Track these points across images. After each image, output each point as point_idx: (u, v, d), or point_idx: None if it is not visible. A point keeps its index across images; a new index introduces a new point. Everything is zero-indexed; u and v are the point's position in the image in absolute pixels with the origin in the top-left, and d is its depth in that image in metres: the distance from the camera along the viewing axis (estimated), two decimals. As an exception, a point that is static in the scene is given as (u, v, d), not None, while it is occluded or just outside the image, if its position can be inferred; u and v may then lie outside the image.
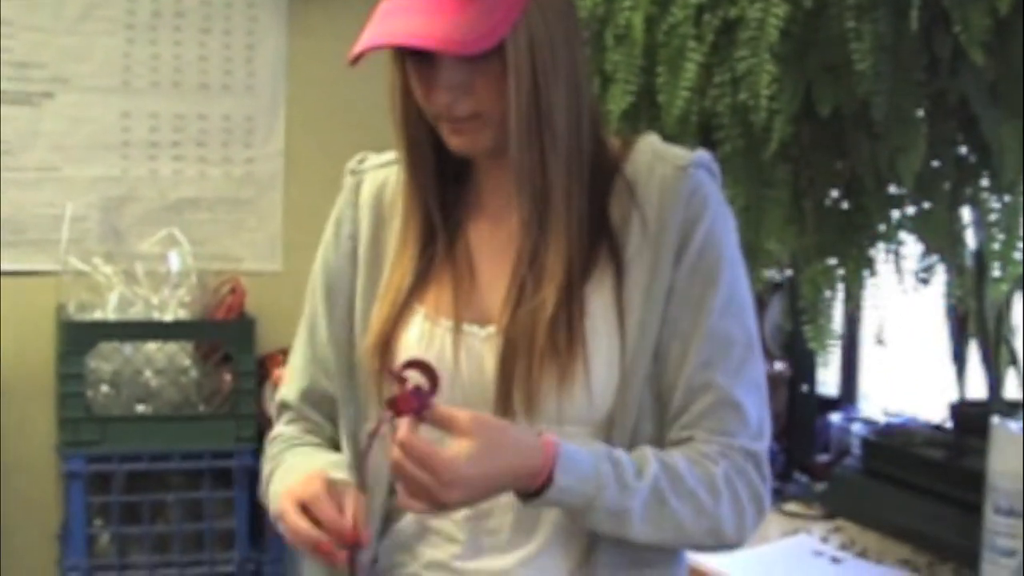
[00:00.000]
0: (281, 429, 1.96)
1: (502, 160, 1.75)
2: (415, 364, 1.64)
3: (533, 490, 1.63)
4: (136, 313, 3.97)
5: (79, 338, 3.87)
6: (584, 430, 1.72)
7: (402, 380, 1.61)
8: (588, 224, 1.75)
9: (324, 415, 1.93)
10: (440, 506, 1.60)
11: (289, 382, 1.97)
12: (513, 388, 1.71)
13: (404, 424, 1.57)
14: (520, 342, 1.71)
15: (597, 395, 1.71)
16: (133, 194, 4.23)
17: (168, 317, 3.97)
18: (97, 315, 3.95)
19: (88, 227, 4.16)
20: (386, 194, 1.89)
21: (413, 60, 1.73)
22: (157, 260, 4.07)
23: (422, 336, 1.77)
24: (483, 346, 1.75)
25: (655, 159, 1.79)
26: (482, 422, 1.61)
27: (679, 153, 1.80)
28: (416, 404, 1.59)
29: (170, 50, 4.23)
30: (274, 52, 4.32)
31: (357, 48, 1.68)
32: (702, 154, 1.81)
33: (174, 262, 4.06)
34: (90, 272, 3.98)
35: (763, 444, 1.77)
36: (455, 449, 1.58)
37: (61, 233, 4.06)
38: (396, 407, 1.59)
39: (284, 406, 1.97)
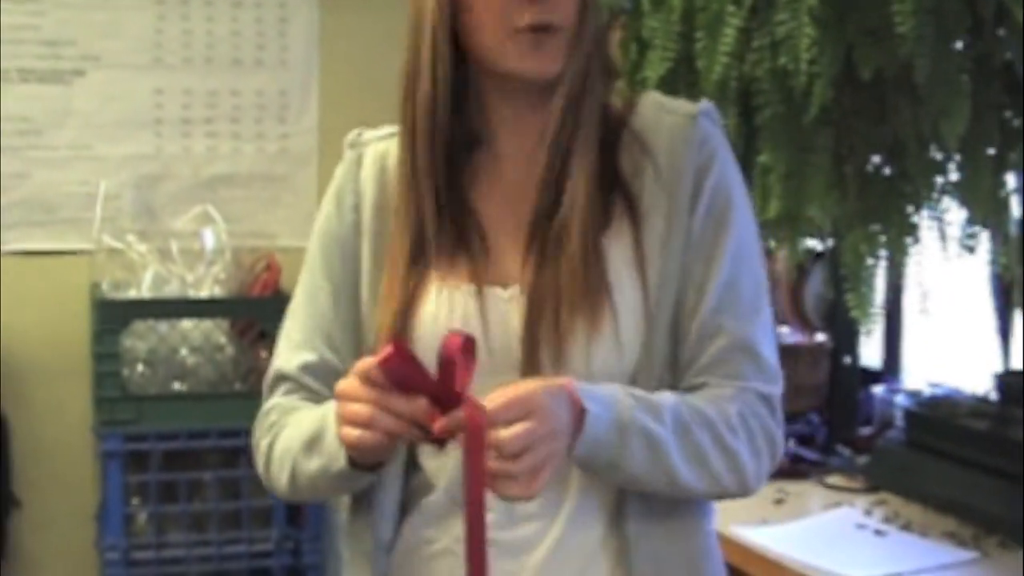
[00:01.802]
0: (277, 400, 1.87)
1: (528, 114, 1.75)
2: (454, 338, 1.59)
3: (574, 428, 1.59)
4: (171, 291, 3.97)
5: (114, 317, 3.87)
6: (614, 383, 1.69)
7: (450, 364, 1.55)
8: (601, 177, 1.74)
9: (327, 387, 1.82)
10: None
11: (286, 354, 1.87)
12: (540, 346, 1.68)
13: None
14: (546, 300, 1.69)
15: (626, 346, 1.70)
16: (167, 171, 4.23)
17: (203, 294, 3.97)
18: (132, 293, 3.95)
19: (121, 205, 4.17)
20: (389, 164, 1.85)
21: None
22: (191, 237, 4.07)
23: (442, 304, 1.74)
24: (507, 307, 1.72)
25: (661, 111, 1.80)
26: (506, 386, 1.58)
27: (684, 104, 1.82)
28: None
29: (202, 25, 4.22)
30: (306, 26, 4.30)
31: None
32: (706, 104, 1.81)
33: (208, 239, 4.05)
34: (124, 250, 3.99)
35: (777, 387, 1.78)
36: (520, 387, 1.56)
37: (95, 212, 4.07)
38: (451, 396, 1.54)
39: (281, 378, 1.86)
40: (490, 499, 1.56)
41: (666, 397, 1.69)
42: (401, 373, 1.54)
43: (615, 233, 1.73)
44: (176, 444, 3.92)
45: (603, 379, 1.67)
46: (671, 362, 1.74)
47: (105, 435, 3.86)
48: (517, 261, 1.74)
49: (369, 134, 1.91)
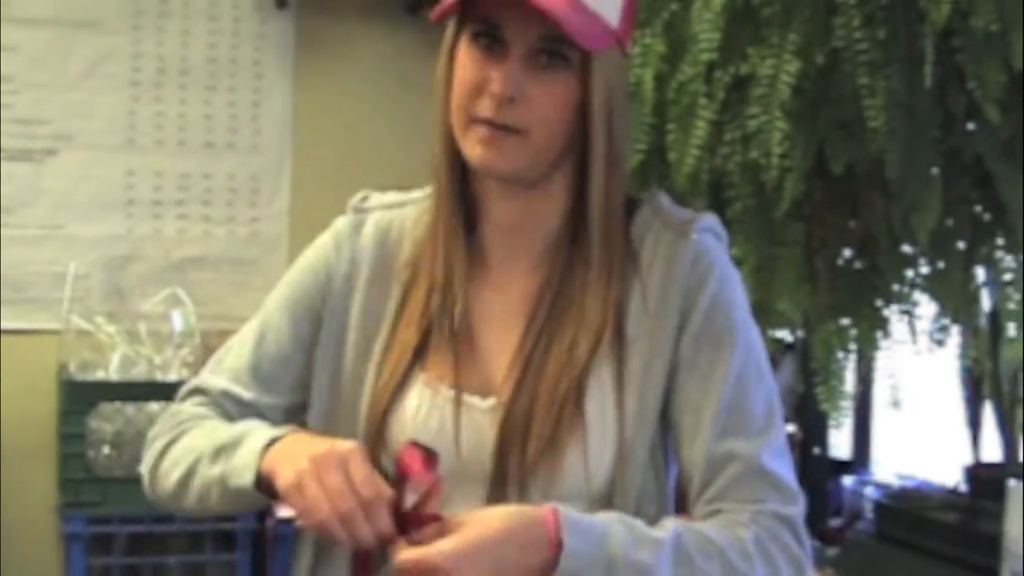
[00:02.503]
0: (188, 407, 1.81)
1: (517, 212, 1.72)
2: (415, 447, 1.58)
3: (544, 565, 1.54)
4: (139, 373, 3.94)
5: (80, 398, 3.84)
6: (580, 506, 1.63)
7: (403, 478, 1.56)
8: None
9: (243, 418, 1.78)
10: None
11: (215, 374, 1.82)
12: (509, 465, 1.65)
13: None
14: (518, 421, 1.65)
15: (594, 473, 1.65)
16: (137, 253, 4.20)
17: (171, 377, 3.94)
18: (99, 375, 3.92)
19: (91, 286, 4.13)
20: (390, 238, 1.82)
21: (477, 43, 1.65)
22: (160, 320, 4.04)
23: (421, 405, 1.71)
24: (484, 418, 1.69)
25: (659, 224, 1.73)
26: (472, 513, 1.56)
27: (683, 217, 1.74)
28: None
29: (175, 108, 4.21)
30: (280, 110, 4.30)
31: None
32: (707, 217, 1.75)
33: (177, 322, 4.03)
34: (92, 331, 3.96)
35: (797, 507, 1.68)
36: (451, 540, 1.51)
37: (64, 292, 4.03)
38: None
39: (200, 391, 1.82)
40: None
41: (668, 527, 1.61)
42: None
43: (598, 360, 1.68)
44: (141, 528, 3.88)
45: (569, 499, 1.62)
46: (653, 493, 1.69)
47: (69, 517, 3.82)
48: (501, 371, 1.70)
49: (375, 200, 1.86)
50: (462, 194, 1.74)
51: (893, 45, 2.29)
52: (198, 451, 1.72)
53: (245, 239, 4.30)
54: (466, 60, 1.66)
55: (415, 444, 1.57)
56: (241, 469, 1.65)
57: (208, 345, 4.02)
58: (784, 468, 1.69)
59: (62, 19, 4.09)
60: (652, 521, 1.64)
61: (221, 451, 1.70)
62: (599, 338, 1.68)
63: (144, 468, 1.82)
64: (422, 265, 1.76)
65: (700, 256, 1.70)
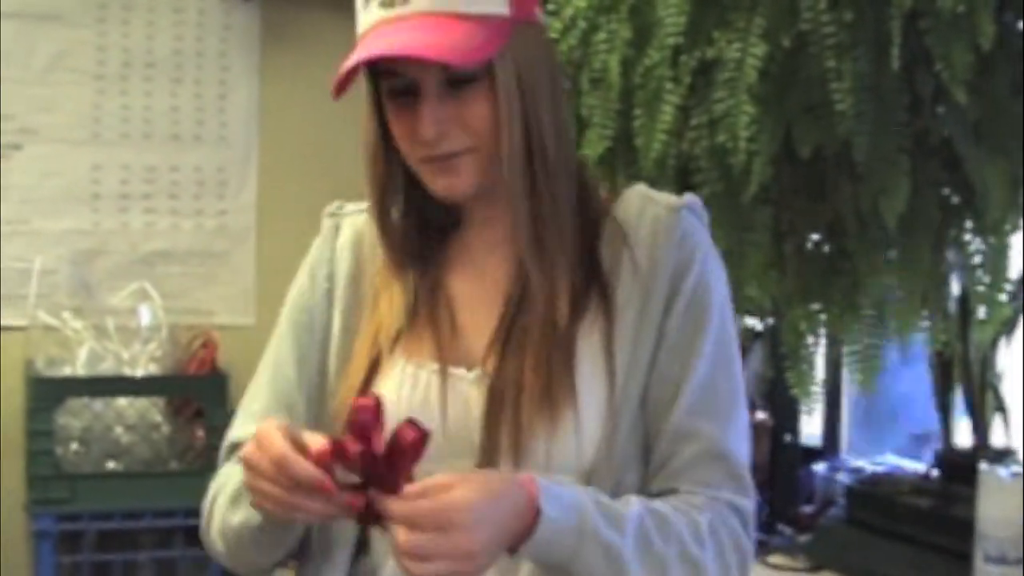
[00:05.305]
0: (223, 469, 1.85)
1: (489, 209, 1.75)
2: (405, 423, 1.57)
3: (523, 531, 1.54)
4: (106, 368, 3.90)
5: (48, 394, 3.80)
6: (571, 478, 1.65)
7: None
8: (579, 268, 1.72)
9: None
10: (470, 558, 1.49)
11: (243, 424, 1.85)
12: (500, 435, 1.65)
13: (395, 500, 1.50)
14: (508, 388, 1.66)
15: (587, 441, 1.66)
16: (103, 247, 4.17)
17: (139, 372, 3.91)
18: (66, 371, 3.89)
19: (57, 281, 4.10)
20: (364, 243, 1.85)
21: (396, 99, 1.69)
22: (128, 314, 4.01)
23: (404, 380, 1.72)
24: (470, 389, 1.70)
25: (645, 202, 1.77)
26: (457, 474, 1.54)
27: (669, 197, 1.78)
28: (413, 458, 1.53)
29: (140, 101, 4.18)
30: (246, 102, 4.28)
31: (343, 70, 1.64)
32: (692, 198, 1.78)
33: (145, 316, 4.00)
34: (59, 327, 3.92)
35: (749, 501, 1.72)
36: (455, 493, 1.49)
37: (30, 287, 4.01)
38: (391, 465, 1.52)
39: (235, 447, 1.83)
40: None
41: (632, 506, 1.63)
42: (341, 458, 1.52)
43: (587, 325, 1.70)
44: (111, 524, 3.84)
45: (563, 471, 1.64)
46: (638, 460, 1.70)
47: (38, 514, 3.78)
48: (484, 343, 1.72)
49: (350, 207, 1.89)
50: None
51: (860, 27, 2.28)
52: (221, 505, 1.77)
53: (213, 232, 4.27)
54: (392, 115, 1.71)
55: (411, 421, 1.55)
56: (253, 511, 1.67)
57: (176, 339, 4.00)
58: (742, 456, 1.72)
59: (24, 12, 4.05)
60: (631, 490, 1.67)
61: (237, 498, 1.72)
62: (578, 304, 1.70)
63: (204, 538, 1.88)
64: (391, 259, 1.79)
65: (686, 234, 1.73)
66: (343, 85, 1.65)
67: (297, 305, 1.86)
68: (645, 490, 1.70)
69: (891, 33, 2.22)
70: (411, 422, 1.54)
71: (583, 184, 1.77)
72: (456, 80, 1.65)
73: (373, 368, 1.74)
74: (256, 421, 1.79)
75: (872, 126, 2.28)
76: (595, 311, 1.71)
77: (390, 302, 1.77)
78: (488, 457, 1.66)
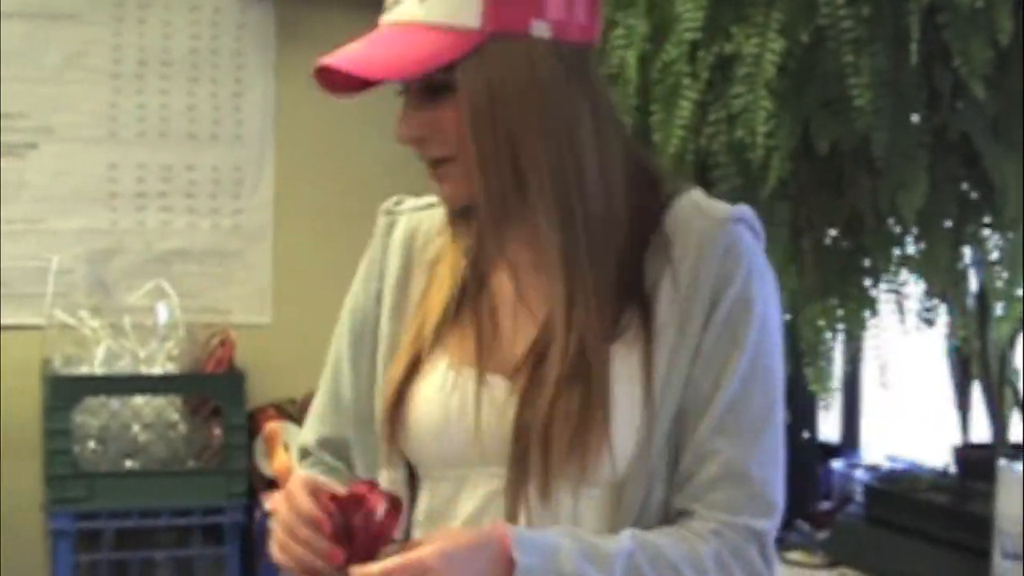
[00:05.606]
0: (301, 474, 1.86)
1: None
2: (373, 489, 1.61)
3: None
4: (123, 367, 3.91)
5: (65, 393, 3.81)
6: (602, 492, 1.65)
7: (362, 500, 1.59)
8: (618, 284, 1.67)
9: (342, 460, 1.85)
10: None
11: (309, 427, 1.90)
12: (530, 448, 1.63)
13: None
14: (541, 402, 1.63)
15: (618, 459, 1.63)
16: (120, 246, 4.18)
17: (156, 371, 3.92)
18: (83, 369, 3.90)
19: (74, 280, 4.11)
20: (417, 239, 1.82)
21: (402, 99, 1.69)
22: (145, 313, 4.02)
23: (444, 384, 1.70)
24: (508, 398, 1.68)
25: (695, 213, 1.70)
26: (429, 537, 1.59)
27: (720, 207, 1.71)
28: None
29: (157, 99, 4.19)
30: (262, 100, 4.28)
31: (313, 73, 1.69)
32: (744, 209, 1.72)
33: (162, 315, 4.01)
34: (76, 325, 3.93)
35: (771, 522, 1.67)
36: (424, 547, 1.54)
37: (47, 286, 4.01)
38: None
39: (304, 452, 1.89)
40: None
41: (622, 541, 1.60)
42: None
43: (625, 344, 1.66)
44: (128, 523, 3.86)
45: (595, 486, 1.63)
46: (668, 474, 1.66)
47: (55, 513, 3.79)
48: (522, 351, 1.69)
49: (408, 203, 1.87)
50: None
51: (878, 22, 2.28)
52: None
53: (229, 230, 4.27)
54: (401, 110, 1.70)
55: (375, 487, 1.62)
56: None
57: (193, 338, 4.01)
58: (770, 477, 1.67)
59: (41, 12, 4.07)
60: (661, 506, 1.65)
61: None
62: (617, 321, 1.66)
63: None
64: (446, 259, 1.78)
65: (732, 246, 1.67)
66: (341, 89, 1.70)
67: (354, 306, 1.86)
68: (670, 504, 1.68)
69: (909, 28, 2.21)
70: (383, 493, 1.59)
71: (638, 195, 1.70)
72: (434, 87, 1.63)
73: (414, 365, 1.73)
74: (316, 423, 1.89)
75: (890, 121, 2.27)
76: (634, 328, 1.66)
77: (439, 290, 1.76)
78: (519, 470, 1.64)
